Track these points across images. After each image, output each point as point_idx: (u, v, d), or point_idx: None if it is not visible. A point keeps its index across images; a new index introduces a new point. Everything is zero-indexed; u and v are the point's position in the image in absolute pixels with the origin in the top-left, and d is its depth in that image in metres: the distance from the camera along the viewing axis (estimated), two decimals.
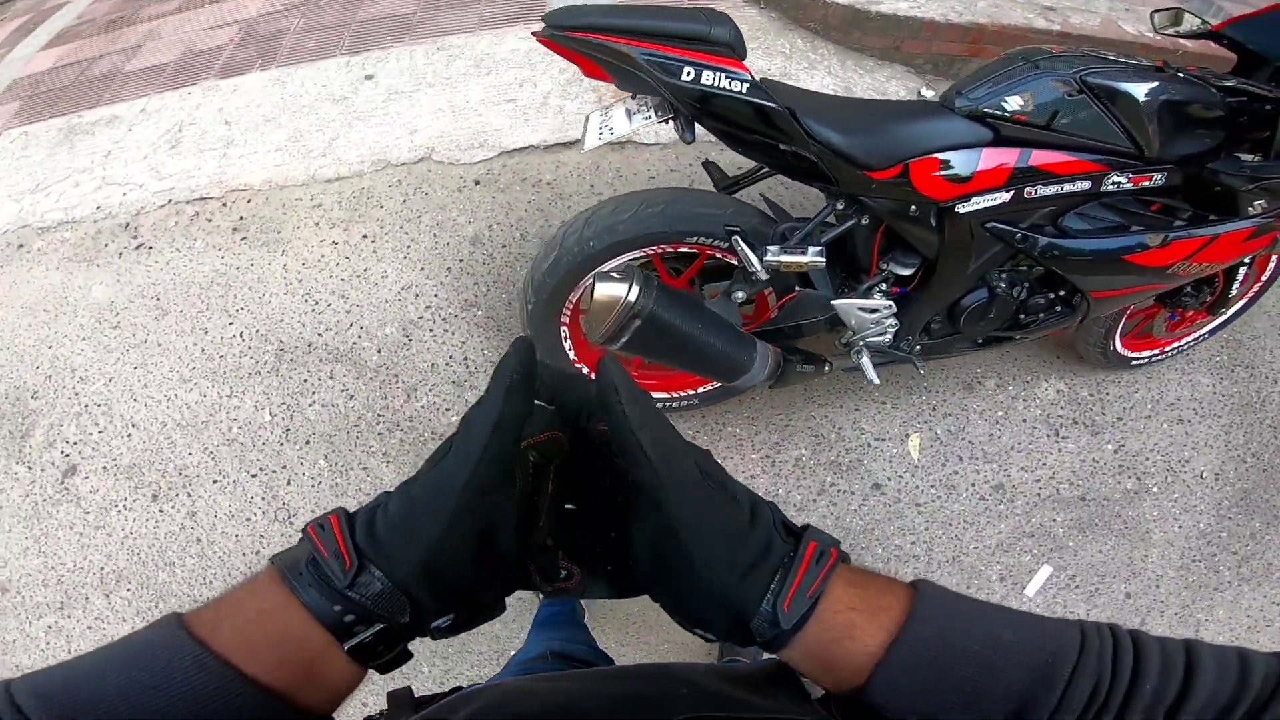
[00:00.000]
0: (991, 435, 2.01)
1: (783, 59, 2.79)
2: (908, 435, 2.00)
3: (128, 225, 2.42)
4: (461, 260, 2.28)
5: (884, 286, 1.51)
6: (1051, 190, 1.36)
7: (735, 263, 1.49)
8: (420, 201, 2.42)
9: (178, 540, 1.91)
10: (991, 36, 2.72)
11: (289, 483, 1.95)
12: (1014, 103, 1.29)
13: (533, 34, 1.24)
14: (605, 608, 1.83)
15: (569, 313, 1.65)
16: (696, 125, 1.28)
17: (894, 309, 1.51)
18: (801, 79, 2.69)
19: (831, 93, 2.55)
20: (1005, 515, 1.94)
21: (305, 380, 2.08)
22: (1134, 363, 2.04)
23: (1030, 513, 1.95)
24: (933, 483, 1.95)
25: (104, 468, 1.98)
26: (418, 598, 0.37)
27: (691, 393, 1.87)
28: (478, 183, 2.45)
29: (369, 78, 2.83)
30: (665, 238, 1.45)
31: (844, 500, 1.94)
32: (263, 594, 0.36)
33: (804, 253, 1.35)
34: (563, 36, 1.18)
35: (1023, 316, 1.62)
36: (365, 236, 2.34)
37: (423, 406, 2.04)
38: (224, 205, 2.45)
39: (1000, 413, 2.05)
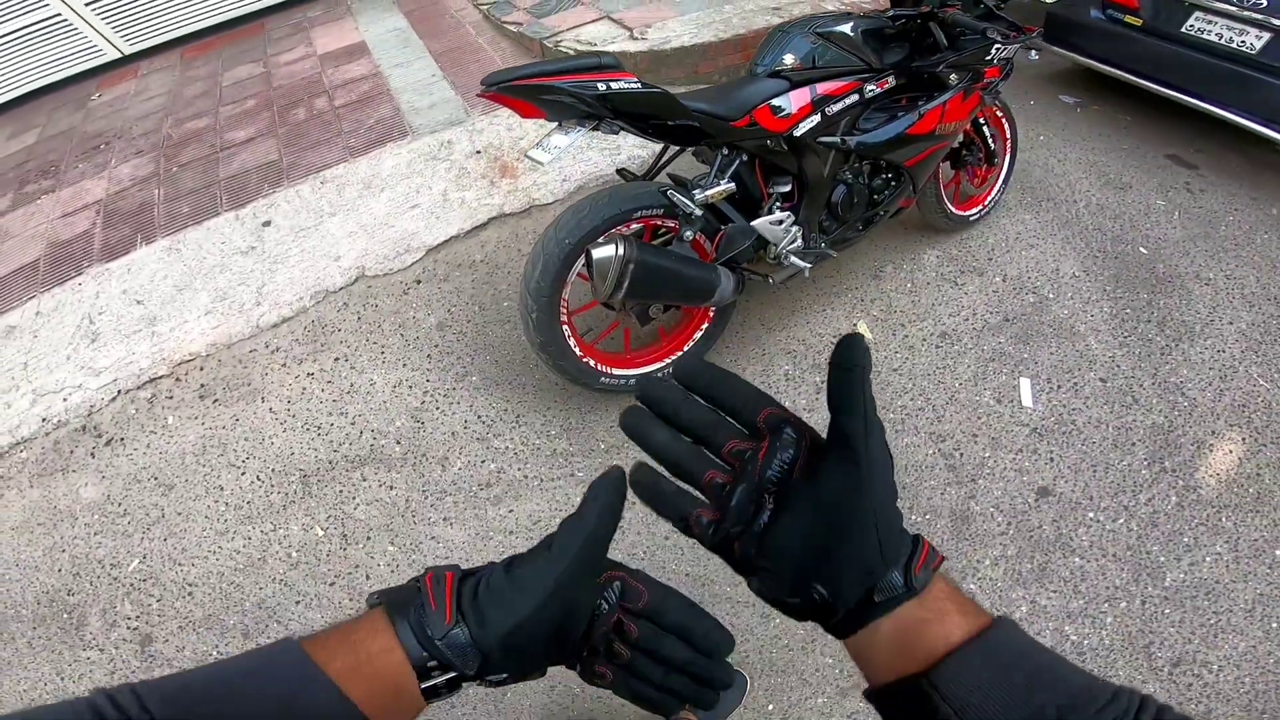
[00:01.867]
0: (913, 302, 2.52)
1: None
2: (855, 324, 2.46)
3: (85, 428, 2.36)
4: (436, 345, 2.49)
5: (778, 204, 2.04)
6: (840, 106, 1.96)
7: (673, 223, 1.95)
8: (374, 314, 2.60)
9: None
10: (752, 41, 3.53)
11: (368, 577, 2.00)
12: (789, 59, 1.92)
13: (479, 94, 1.61)
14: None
15: (565, 312, 1.98)
16: (612, 128, 1.71)
17: (792, 218, 2.05)
18: None
19: None
20: (964, 352, 2.38)
21: (341, 491, 2.15)
22: (971, 218, 2.71)
23: (979, 343, 2.40)
24: (895, 349, 2.39)
25: (180, 627, 1.93)
26: (490, 656, 0.43)
27: (680, 353, 2.23)
28: (419, 281, 2.69)
29: (267, 224, 2.96)
30: (619, 218, 1.85)
31: None
32: (373, 635, 0.42)
33: (719, 184, 1.88)
34: (507, 87, 1.56)
35: (876, 196, 2.22)
36: (337, 359, 2.47)
37: (460, 468, 2.18)
38: (178, 380, 2.46)
39: (909, 285, 2.58)
